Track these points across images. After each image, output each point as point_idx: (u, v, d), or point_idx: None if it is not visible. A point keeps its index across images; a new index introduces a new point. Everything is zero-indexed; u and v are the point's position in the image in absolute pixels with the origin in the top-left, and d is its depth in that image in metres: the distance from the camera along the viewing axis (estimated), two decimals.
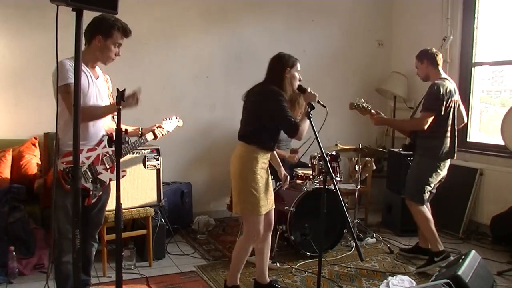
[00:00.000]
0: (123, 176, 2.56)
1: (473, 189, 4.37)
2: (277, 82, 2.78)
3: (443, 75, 3.48)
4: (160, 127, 2.87)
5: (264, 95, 2.75)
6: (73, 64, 2.27)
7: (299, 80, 2.86)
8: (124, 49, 2.58)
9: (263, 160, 2.79)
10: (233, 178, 2.82)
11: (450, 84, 3.42)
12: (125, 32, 2.47)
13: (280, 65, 2.80)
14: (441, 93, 3.31)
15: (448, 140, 3.39)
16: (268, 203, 2.82)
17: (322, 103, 2.81)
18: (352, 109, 3.59)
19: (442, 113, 3.34)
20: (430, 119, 3.32)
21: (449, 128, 3.39)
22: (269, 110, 2.72)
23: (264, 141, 2.79)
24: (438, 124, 3.35)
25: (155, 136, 2.83)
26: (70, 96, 2.23)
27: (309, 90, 2.80)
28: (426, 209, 3.48)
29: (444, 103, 3.32)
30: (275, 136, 2.84)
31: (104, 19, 2.40)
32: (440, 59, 3.46)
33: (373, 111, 3.57)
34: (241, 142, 2.80)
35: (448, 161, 3.46)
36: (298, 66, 2.85)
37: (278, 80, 2.78)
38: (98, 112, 2.48)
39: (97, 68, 2.56)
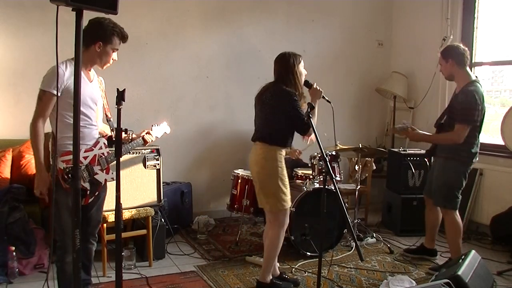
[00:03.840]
0: (113, 179, 2.58)
1: (473, 189, 4.38)
2: (288, 81, 2.90)
3: (473, 76, 3.27)
4: (149, 133, 2.90)
5: (280, 96, 2.85)
6: (67, 70, 2.33)
7: (305, 75, 3.00)
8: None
9: (283, 157, 2.94)
10: (259, 179, 2.92)
11: (482, 87, 3.23)
12: (123, 38, 2.52)
13: (288, 64, 2.91)
14: (478, 102, 3.11)
15: (475, 145, 3.25)
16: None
17: (327, 98, 3.04)
18: (395, 133, 3.61)
19: (478, 123, 3.18)
20: (467, 131, 3.14)
21: (477, 134, 3.24)
22: (286, 110, 2.84)
23: (283, 140, 2.92)
24: (470, 130, 3.19)
25: (145, 142, 2.87)
26: (40, 103, 2.32)
27: (315, 85, 2.99)
28: (460, 220, 3.36)
29: (480, 112, 3.15)
30: (292, 133, 2.96)
31: (103, 24, 2.42)
32: (467, 57, 3.26)
33: (409, 128, 3.53)
34: (261, 143, 2.91)
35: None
36: (303, 62, 2.98)
37: (288, 79, 2.90)
38: (35, 149, 2.38)
39: (92, 70, 2.58)
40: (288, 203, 2.94)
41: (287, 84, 2.89)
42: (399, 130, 3.58)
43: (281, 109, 2.85)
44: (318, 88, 2.98)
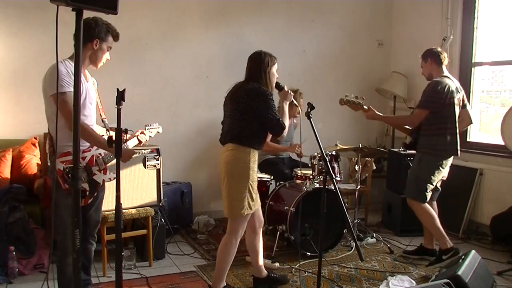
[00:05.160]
0: (111, 179, 2.59)
1: (473, 189, 4.37)
2: (259, 80, 2.81)
3: (445, 73, 3.47)
4: (142, 133, 2.90)
5: (255, 95, 2.74)
6: (69, 68, 2.34)
7: (276, 78, 2.93)
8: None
9: (256, 159, 2.83)
10: (228, 181, 2.80)
11: (451, 82, 3.40)
12: (117, 36, 2.55)
13: (263, 63, 2.83)
14: (438, 89, 3.30)
15: (450, 138, 3.37)
16: (257, 200, 2.89)
17: (295, 102, 3.07)
18: (342, 105, 3.59)
19: (437, 110, 3.33)
20: (423, 116, 3.35)
21: (450, 126, 3.37)
22: (261, 110, 2.73)
23: (258, 141, 2.83)
24: (440, 121, 3.35)
25: (140, 142, 2.86)
26: (66, 105, 2.25)
27: (285, 88, 2.94)
28: (429, 207, 3.47)
29: (441, 100, 3.30)
30: (266, 135, 2.88)
31: (98, 22, 2.44)
32: (444, 57, 3.47)
33: (365, 106, 3.57)
34: (233, 144, 2.79)
35: (451, 159, 3.45)
36: (276, 65, 2.90)
37: (260, 77, 2.82)
38: (91, 138, 2.43)
39: (86, 71, 2.58)
40: (252, 209, 2.80)
41: (258, 83, 2.79)
42: (350, 103, 3.54)
43: (256, 108, 2.73)
44: (289, 92, 2.92)
